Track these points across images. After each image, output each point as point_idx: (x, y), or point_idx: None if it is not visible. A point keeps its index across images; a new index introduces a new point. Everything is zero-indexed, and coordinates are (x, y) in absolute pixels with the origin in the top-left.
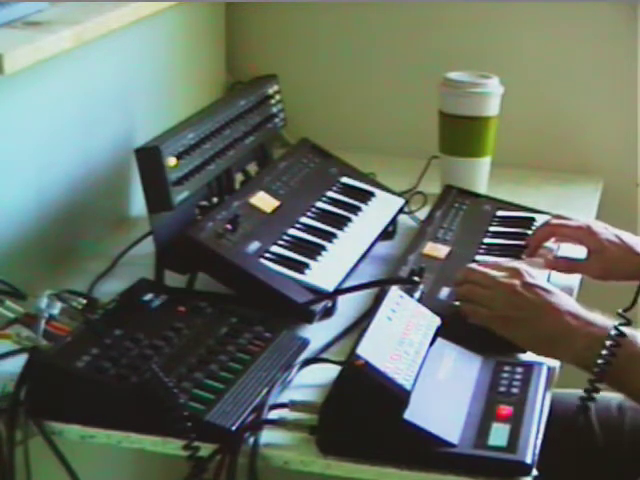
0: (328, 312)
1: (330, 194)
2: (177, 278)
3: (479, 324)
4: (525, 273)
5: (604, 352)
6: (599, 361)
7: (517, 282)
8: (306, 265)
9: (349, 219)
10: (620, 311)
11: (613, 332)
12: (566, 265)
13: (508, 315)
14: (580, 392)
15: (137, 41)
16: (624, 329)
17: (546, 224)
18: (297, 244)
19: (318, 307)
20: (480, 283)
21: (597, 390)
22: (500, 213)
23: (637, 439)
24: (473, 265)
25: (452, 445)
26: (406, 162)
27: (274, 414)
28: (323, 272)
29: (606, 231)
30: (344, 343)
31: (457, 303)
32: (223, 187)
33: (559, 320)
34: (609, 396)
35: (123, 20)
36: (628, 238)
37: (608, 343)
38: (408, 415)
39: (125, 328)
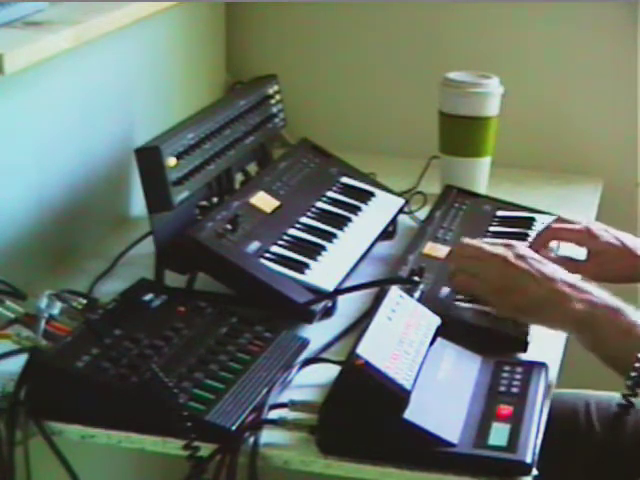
0: (328, 312)
1: (330, 194)
2: (177, 278)
3: (471, 295)
4: (517, 246)
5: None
6: (632, 374)
7: (510, 254)
8: (306, 265)
9: (349, 219)
10: None
11: None
12: (565, 265)
13: (501, 285)
14: (581, 392)
15: (137, 41)
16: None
17: (547, 227)
18: (297, 244)
19: (318, 307)
20: (473, 256)
21: (635, 395)
22: (500, 213)
23: (637, 439)
24: (466, 239)
25: (452, 445)
26: (406, 162)
27: (274, 414)
28: (323, 272)
29: (606, 234)
30: (344, 343)
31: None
32: (223, 187)
33: (552, 287)
34: (610, 396)
35: (123, 20)
36: (628, 240)
37: None
38: (408, 415)
39: (125, 328)
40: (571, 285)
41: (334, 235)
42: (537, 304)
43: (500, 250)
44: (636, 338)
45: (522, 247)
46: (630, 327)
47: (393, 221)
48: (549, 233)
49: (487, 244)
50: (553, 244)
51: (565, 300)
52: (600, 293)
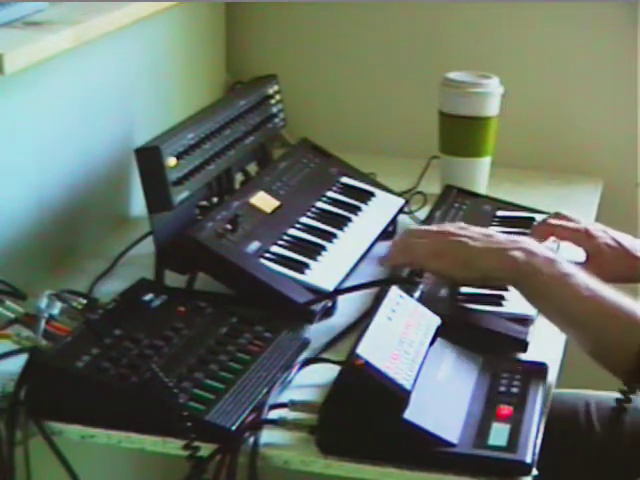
0: (328, 312)
1: (330, 194)
2: (177, 278)
3: (415, 266)
4: (460, 224)
5: None
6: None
7: (452, 228)
8: (306, 265)
9: (349, 219)
10: None
11: None
12: None
13: (439, 248)
14: (581, 392)
15: (137, 41)
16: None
17: (544, 222)
18: (297, 244)
19: (318, 307)
20: (420, 236)
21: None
22: (500, 213)
23: (637, 439)
24: (412, 226)
25: (452, 445)
26: (406, 162)
27: (274, 414)
28: (323, 272)
29: (604, 234)
30: (344, 343)
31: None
32: (223, 187)
33: (490, 240)
34: (610, 396)
35: (123, 20)
36: (626, 241)
37: None
38: (408, 415)
39: (125, 328)
40: (508, 238)
41: (334, 235)
42: (476, 256)
43: (445, 227)
44: (568, 286)
45: (464, 224)
46: (563, 276)
47: (393, 221)
48: (546, 228)
49: (434, 226)
50: (553, 245)
51: (503, 249)
52: (537, 245)
